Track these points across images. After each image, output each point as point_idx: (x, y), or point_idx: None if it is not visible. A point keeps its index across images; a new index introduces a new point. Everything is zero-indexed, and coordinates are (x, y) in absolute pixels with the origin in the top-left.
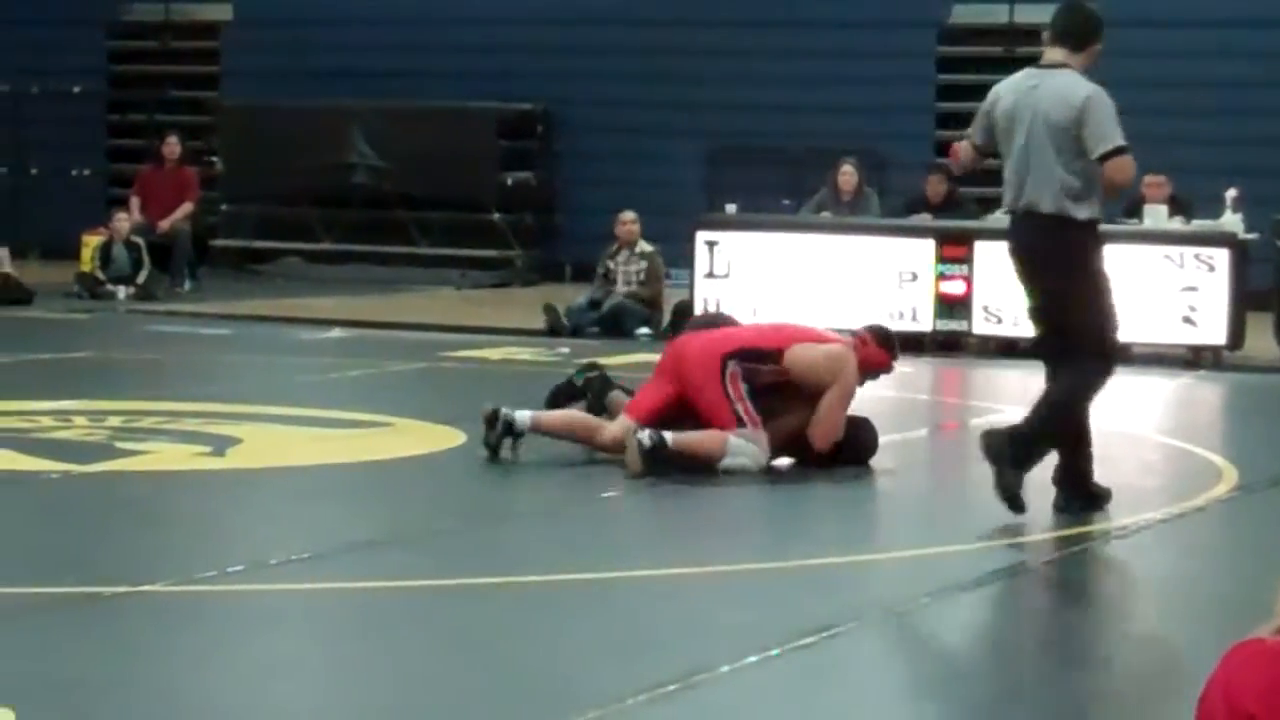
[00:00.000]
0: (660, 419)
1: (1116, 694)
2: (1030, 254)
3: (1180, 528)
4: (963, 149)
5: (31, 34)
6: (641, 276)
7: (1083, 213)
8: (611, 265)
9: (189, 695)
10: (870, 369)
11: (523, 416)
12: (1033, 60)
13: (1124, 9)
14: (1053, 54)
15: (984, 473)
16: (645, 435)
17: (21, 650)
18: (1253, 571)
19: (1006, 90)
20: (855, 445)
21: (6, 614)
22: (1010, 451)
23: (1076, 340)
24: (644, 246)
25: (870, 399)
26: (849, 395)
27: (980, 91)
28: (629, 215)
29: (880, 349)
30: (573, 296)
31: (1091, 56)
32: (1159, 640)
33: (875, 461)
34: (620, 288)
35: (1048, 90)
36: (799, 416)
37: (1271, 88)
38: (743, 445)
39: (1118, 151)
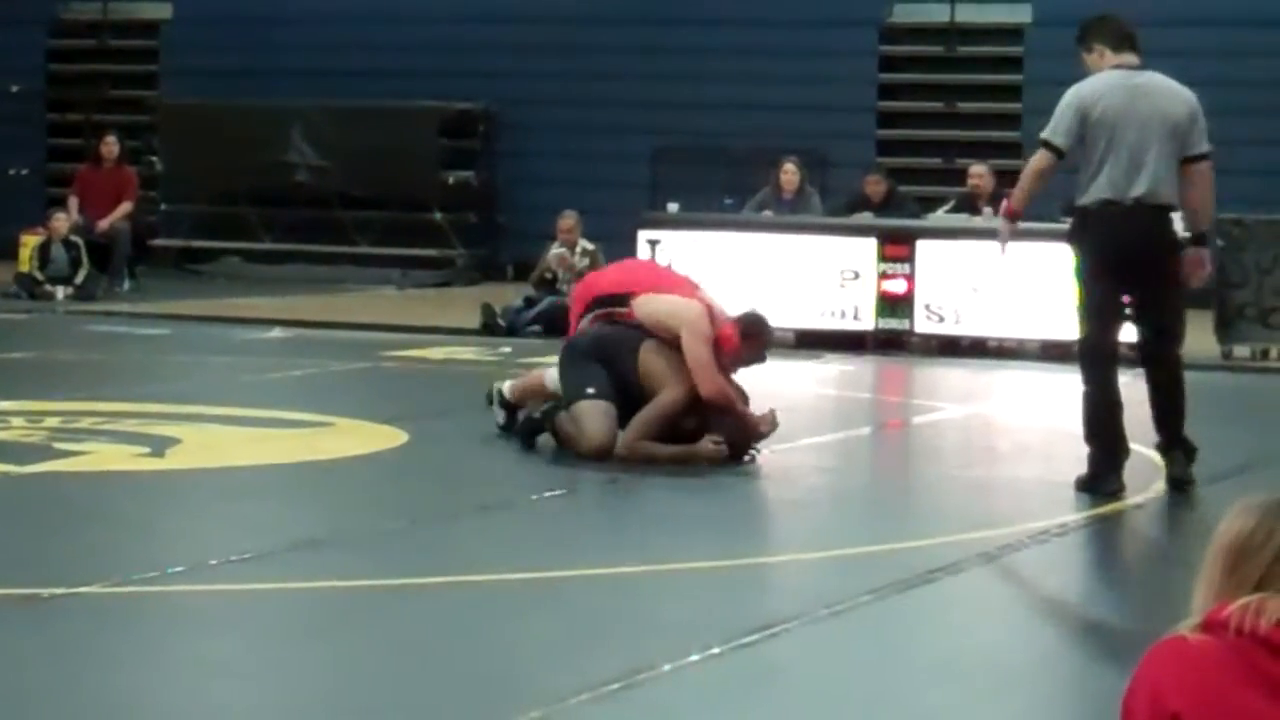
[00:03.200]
0: None
1: (1056, 693)
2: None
3: (1119, 524)
4: (1043, 167)
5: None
6: (583, 275)
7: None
8: (553, 265)
9: (129, 697)
10: (735, 355)
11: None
12: (975, 60)
13: (1060, 9)
14: (1129, 58)
15: (926, 472)
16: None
17: None
18: (1186, 569)
19: (1106, 91)
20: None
21: None
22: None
23: (1171, 324)
24: (585, 245)
25: (813, 397)
26: (701, 337)
27: (920, 90)
28: (569, 214)
29: (746, 338)
30: (514, 296)
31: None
32: (1095, 638)
33: (819, 460)
34: (562, 287)
35: (1159, 88)
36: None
37: (1210, 87)
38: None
39: (1209, 154)
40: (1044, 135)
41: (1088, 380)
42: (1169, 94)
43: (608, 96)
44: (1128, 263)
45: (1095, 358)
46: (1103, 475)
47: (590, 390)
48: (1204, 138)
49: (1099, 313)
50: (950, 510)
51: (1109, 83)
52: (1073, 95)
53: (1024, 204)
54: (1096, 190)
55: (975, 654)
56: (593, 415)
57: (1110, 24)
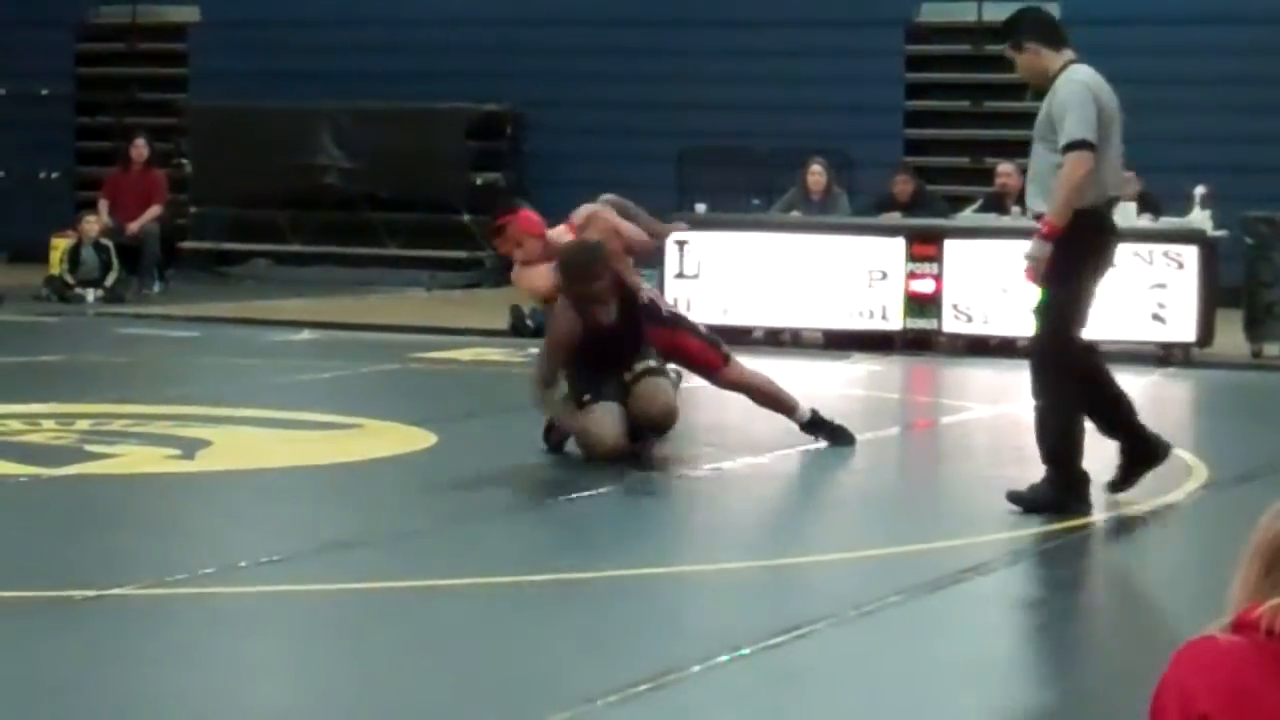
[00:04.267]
0: None
1: (1087, 692)
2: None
3: (1150, 524)
4: (1086, 171)
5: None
6: None
7: None
8: None
9: (160, 698)
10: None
11: None
12: (1003, 59)
13: (1091, 6)
14: (1069, 52)
15: (955, 471)
16: None
17: None
18: (1218, 569)
19: (1097, 85)
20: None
21: None
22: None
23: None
24: None
25: (841, 397)
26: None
27: (948, 90)
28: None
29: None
30: None
31: None
32: (1127, 638)
33: (846, 460)
34: None
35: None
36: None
37: (1240, 84)
38: None
39: None
40: (1081, 135)
41: (1084, 378)
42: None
43: (635, 98)
44: (1110, 264)
45: (1088, 356)
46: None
47: (586, 397)
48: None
49: (1083, 313)
50: (979, 510)
51: (1095, 77)
52: (1083, 88)
53: (1066, 219)
54: (1100, 188)
55: (1005, 654)
56: (600, 419)
57: (1044, 19)
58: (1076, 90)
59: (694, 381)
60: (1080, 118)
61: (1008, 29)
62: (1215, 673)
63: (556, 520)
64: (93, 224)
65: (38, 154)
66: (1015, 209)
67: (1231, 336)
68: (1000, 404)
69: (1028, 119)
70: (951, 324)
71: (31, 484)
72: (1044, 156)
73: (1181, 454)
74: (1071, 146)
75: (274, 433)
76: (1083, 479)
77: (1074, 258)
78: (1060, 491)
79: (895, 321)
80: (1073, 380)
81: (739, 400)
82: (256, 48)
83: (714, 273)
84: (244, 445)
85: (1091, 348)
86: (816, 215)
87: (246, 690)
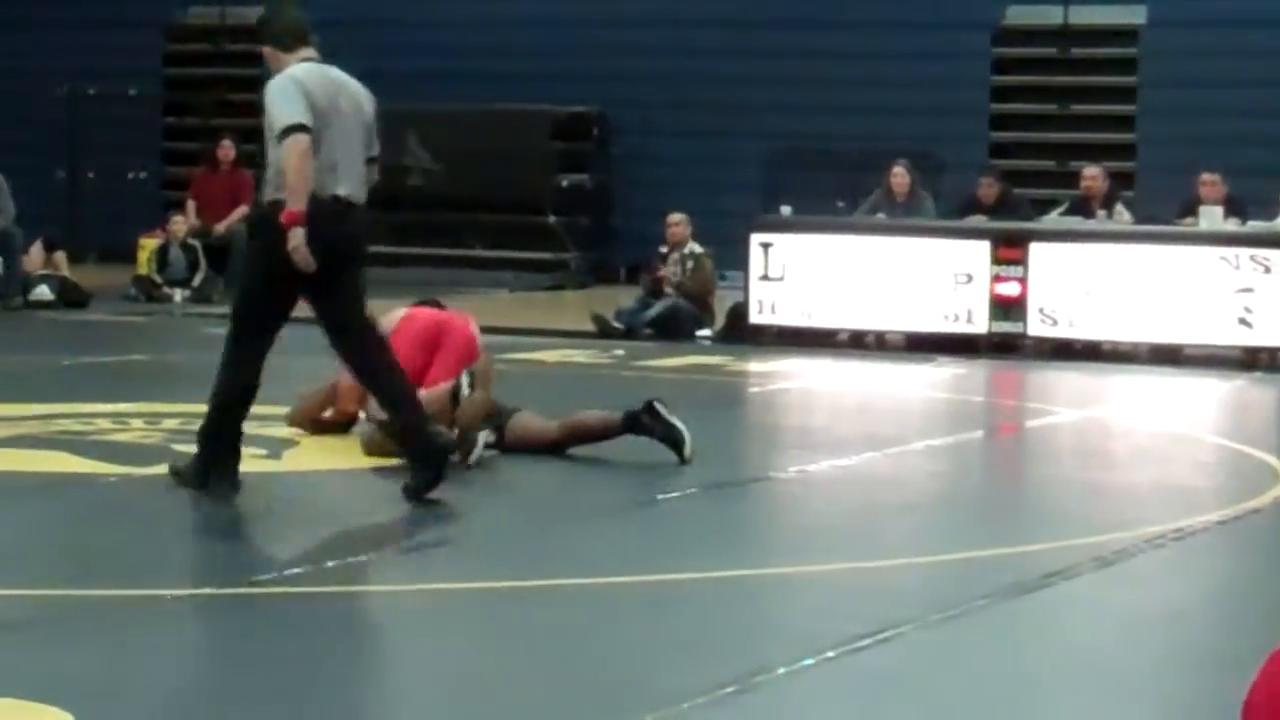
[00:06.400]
0: None
1: (1174, 697)
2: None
3: (1236, 530)
4: (302, 146)
5: (88, 37)
6: (689, 277)
7: None
8: (662, 267)
9: (249, 698)
10: None
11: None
12: (1089, 62)
13: (1175, 10)
14: (306, 51)
15: (1040, 475)
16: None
17: (81, 653)
18: None
19: (312, 79)
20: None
21: (63, 617)
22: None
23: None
24: (694, 248)
25: (926, 400)
26: None
27: (1034, 93)
28: (677, 216)
29: None
30: (627, 300)
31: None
32: (1214, 643)
33: (931, 464)
34: (668, 290)
35: (351, 83)
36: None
37: None
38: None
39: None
40: (292, 120)
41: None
42: (360, 91)
43: (720, 99)
44: (336, 268)
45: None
46: None
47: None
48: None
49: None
50: (1065, 514)
51: (323, 71)
52: (287, 79)
53: (304, 203)
54: (319, 181)
55: (1090, 659)
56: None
57: (280, 22)
58: (280, 83)
59: (780, 384)
60: (286, 106)
61: (255, 30)
62: None
63: (644, 522)
64: (180, 224)
65: (126, 154)
66: (1101, 212)
67: None
68: (1086, 408)
69: (1114, 122)
70: (1037, 327)
71: (120, 483)
72: (273, 153)
73: (1268, 459)
74: (286, 133)
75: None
76: None
77: (255, 254)
78: None
79: (980, 325)
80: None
81: (824, 403)
82: (342, 49)
83: (798, 275)
84: (331, 445)
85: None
86: (901, 218)
87: (335, 691)
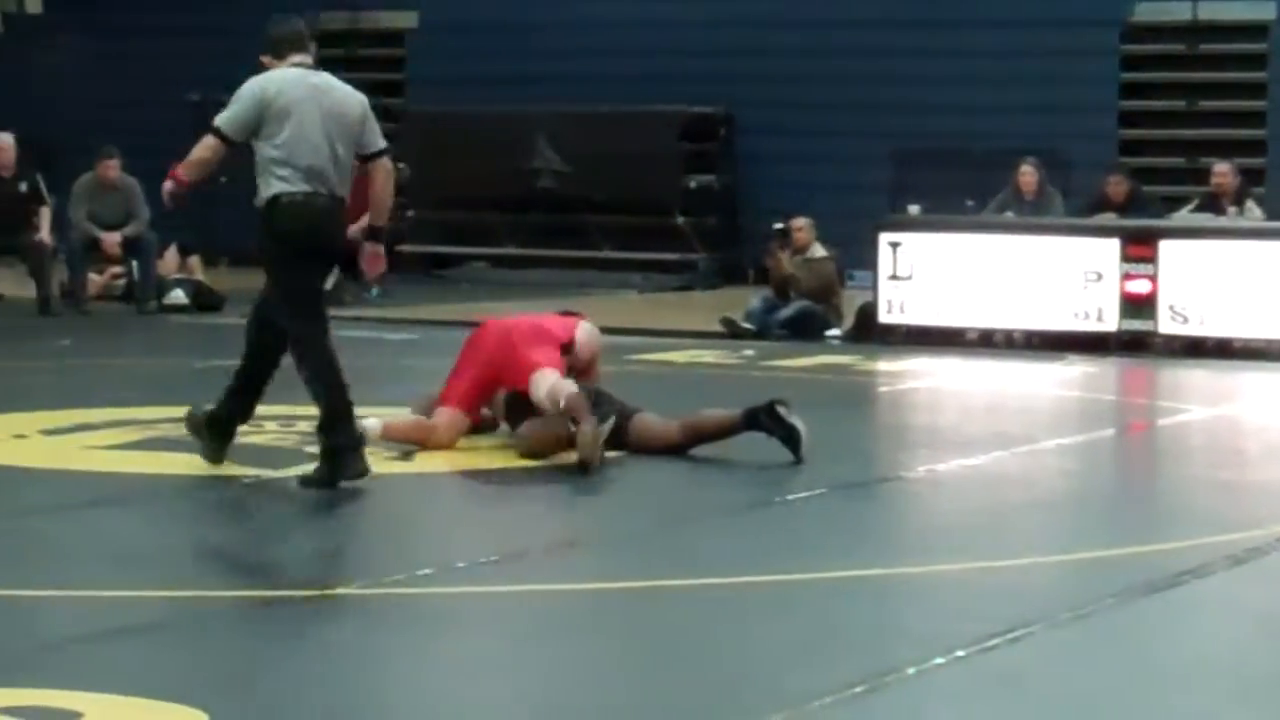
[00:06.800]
0: (477, 402)
1: None
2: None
3: None
4: (209, 146)
5: (217, 44)
6: (809, 278)
7: None
8: (775, 256)
9: (379, 696)
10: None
11: (373, 424)
12: (1218, 58)
13: None
14: (298, 57)
15: (1171, 474)
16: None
17: (214, 653)
18: None
19: (275, 84)
20: None
21: (199, 617)
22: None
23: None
24: (818, 251)
25: (1056, 399)
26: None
27: (1163, 89)
28: (800, 221)
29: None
30: (755, 300)
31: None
32: None
33: (1062, 462)
34: (793, 294)
35: (337, 87)
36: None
37: None
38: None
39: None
40: (215, 123)
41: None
42: (348, 95)
43: (847, 99)
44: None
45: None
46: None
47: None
48: (377, 136)
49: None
50: (1197, 512)
51: (296, 75)
52: (251, 84)
53: (192, 177)
54: (285, 179)
55: (1222, 659)
56: None
57: (275, 32)
58: (244, 87)
59: (909, 384)
60: (230, 111)
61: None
62: None
63: (773, 522)
64: None
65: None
66: (1232, 209)
67: None
68: (1218, 406)
69: (1244, 118)
70: (1168, 325)
71: (255, 485)
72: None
73: None
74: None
75: (490, 434)
76: None
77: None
78: None
79: (1110, 323)
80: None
81: (953, 402)
82: (473, 53)
83: (927, 274)
84: (461, 447)
85: None
86: (1029, 216)
87: (462, 689)
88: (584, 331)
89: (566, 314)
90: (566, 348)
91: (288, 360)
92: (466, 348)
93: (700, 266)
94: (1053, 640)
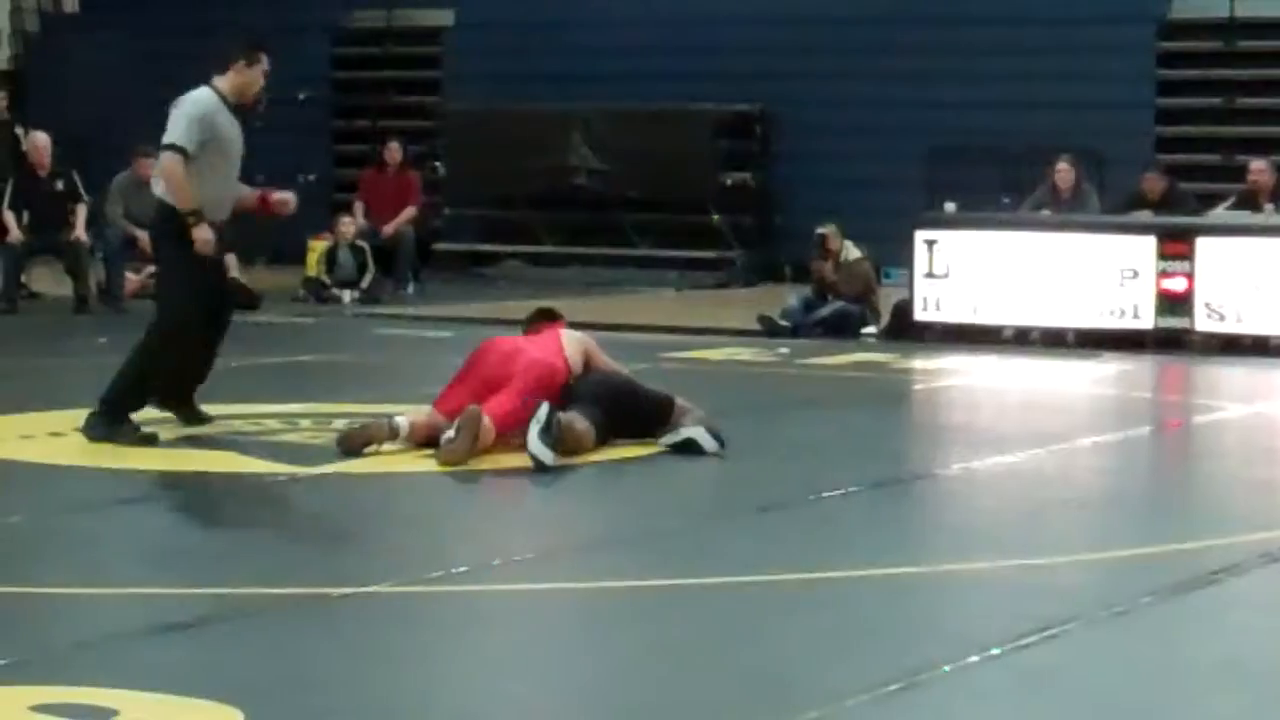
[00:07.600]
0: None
1: None
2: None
3: None
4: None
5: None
6: (843, 280)
7: None
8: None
9: (414, 694)
10: None
11: (402, 422)
12: (1256, 55)
13: None
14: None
15: (1207, 471)
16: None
17: (250, 651)
18: None
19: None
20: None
21: (235, 615)
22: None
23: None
24: (852, 253)
25: (1092, 396)
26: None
27: (1200, 87)
28: (827, 229)
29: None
30: (792, 298)
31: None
32: None
33: (1098, 460)
34: (830, 296)
35: None
36: None
37: None
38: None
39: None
40: (171, 140)
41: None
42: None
43: (883, 97)
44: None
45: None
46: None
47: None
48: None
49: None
50: (1232, 511)
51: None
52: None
53: (187, 205)
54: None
55: (1258, 657)
56: None
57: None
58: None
59: (944, 381)
60: (181, 127)
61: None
62: None
63: (806, 519)
64: (349, 226)
65: (296, 157)
66: (1269, 206)
67: None
68: (1254, 403)
69: None
70: (1204, 323)
71: (289, 483)
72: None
73: None
74: (164, 148)
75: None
76: None
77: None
78: None
79: (1146, 320)
80: None
81: (989, 400)
82: (509, 50)
83: (963, 272)
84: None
85: None
86: (1065, 213)
87: (498, 687)
88: (570, 350)
89: (544, 318)
90: (567, 388)
91: (318, 362)
92: (468, 364)
93: (736, 264)
94: (1088, 638)
